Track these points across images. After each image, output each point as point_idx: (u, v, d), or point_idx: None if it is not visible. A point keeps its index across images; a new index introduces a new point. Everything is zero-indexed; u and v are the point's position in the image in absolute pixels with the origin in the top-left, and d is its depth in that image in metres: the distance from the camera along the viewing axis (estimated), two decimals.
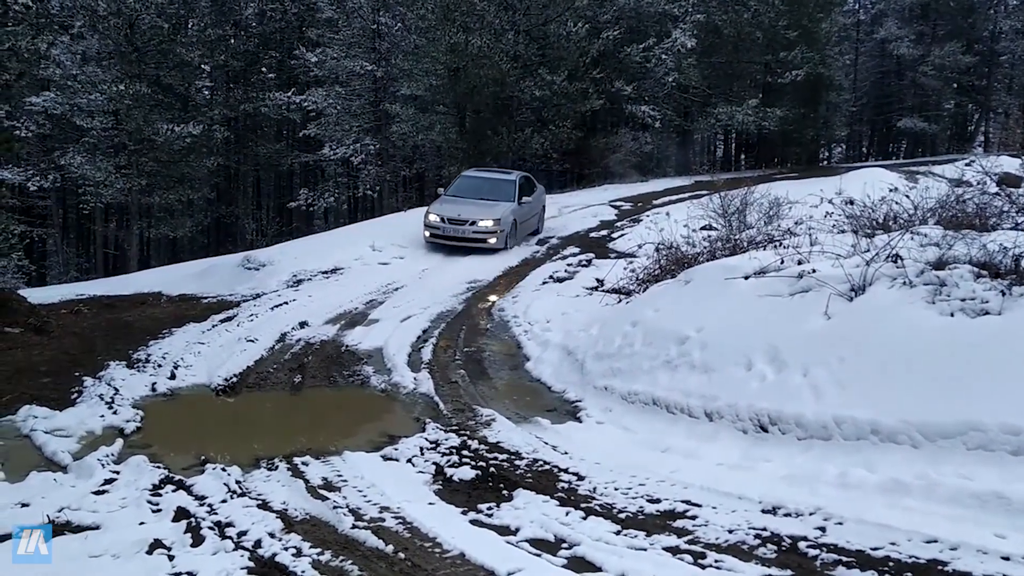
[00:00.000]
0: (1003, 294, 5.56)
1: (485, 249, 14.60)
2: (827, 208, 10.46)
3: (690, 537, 4.47)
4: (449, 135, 25.01)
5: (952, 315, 5.65)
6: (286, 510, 5.05)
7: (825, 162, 36.42)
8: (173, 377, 8.20)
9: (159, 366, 8.58)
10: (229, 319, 10.79)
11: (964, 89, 37.38)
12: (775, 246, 8.79)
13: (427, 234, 14.92)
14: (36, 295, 12.26)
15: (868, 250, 6.97)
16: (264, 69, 30.06)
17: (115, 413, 7.00)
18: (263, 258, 14.83)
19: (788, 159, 31.82)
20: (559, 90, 23.40)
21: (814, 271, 6.81)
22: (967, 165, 15.71)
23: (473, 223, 14.50)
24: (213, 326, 10.41)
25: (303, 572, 4.17)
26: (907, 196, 9.75)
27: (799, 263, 7.24)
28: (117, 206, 26.31)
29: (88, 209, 25.18)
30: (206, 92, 30.47)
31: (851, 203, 9.78)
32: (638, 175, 26.55)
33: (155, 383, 7.95)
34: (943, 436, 4.85)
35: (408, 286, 12.56)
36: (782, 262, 7.39)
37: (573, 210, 18.89)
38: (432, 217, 14.90)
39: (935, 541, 4.03)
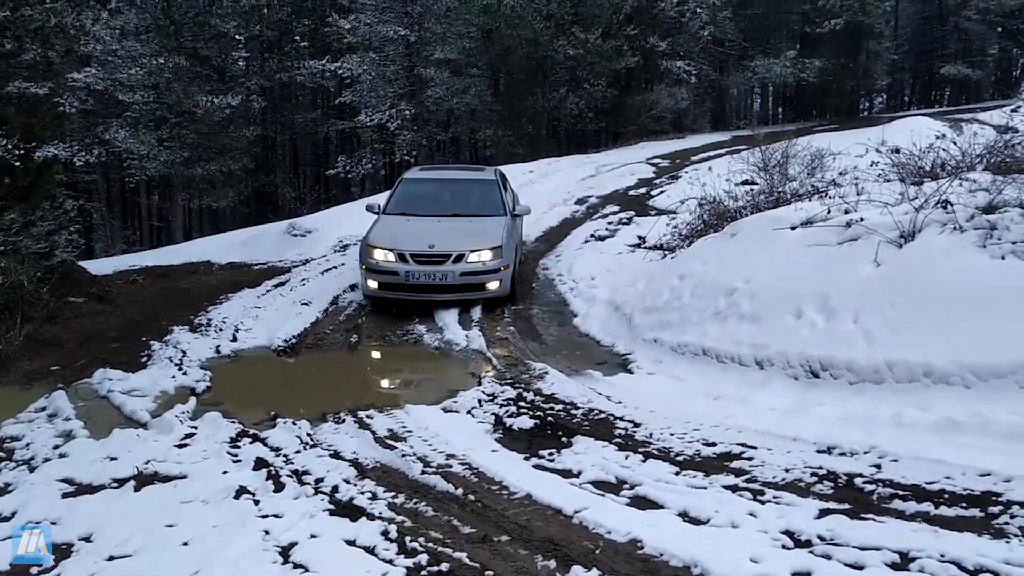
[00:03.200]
0: None
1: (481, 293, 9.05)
2: (872, 158, 10.39)
3: (748, 476, 4.63)
4: (484, 98, 25.05)
5: (1003, 258, 5.69)
6: (357, 459, 5.31)
7: (866, 113, 35.71)
8: (235, 340, 8.52)
9: (220, 330, 8.90)
10: (282, 284, 11.09)
11: (1009, 33, 36.24)
12: (820, 197, 8.81)
13: (371, 285, 8.94)
14: (92, 267, 12.67)
15: (916, 197, 6.98)
16: (298, 38, 30.15)
17: (185, 374, 7.32)
18: (308, 225, 15.13)
19: (827, 111, 31.27)
20: (593, 48, 23.22)
21: (862, 219, 6.85)
22: (1013, 111, 15.42)
23: (458, 259, 8.71)
24: (267, 291, 10.71)
25: (380, 513, 4.41)
26: (954, 143, 9.66)
27: (846, 212, 7.27)
28: (160, 179, 26.77)
29: (133, 182, 25.71)
30: (242, 63, 30.68)
31: (897, 152, 9.71)
32: (675, 132, 26.34)
33: (219, 345, 8.27)
34: (995, 376, 4.94)
35: None
36: (829, 212, 7.42)
37: (611, 169, 18.87)
38: (378, 255, 8.82)
39: (989, 475, 4.15)
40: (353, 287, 10.49)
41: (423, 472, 4.98)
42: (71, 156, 23.64)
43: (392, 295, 8.88)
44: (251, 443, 5.61)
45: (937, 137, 11.14)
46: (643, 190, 16.30)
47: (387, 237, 8.99)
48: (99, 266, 13.84)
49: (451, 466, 5.11)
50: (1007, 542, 3.45)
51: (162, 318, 9.41)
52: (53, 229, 9.98)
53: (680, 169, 17.83)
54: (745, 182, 12.06)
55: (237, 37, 28.16)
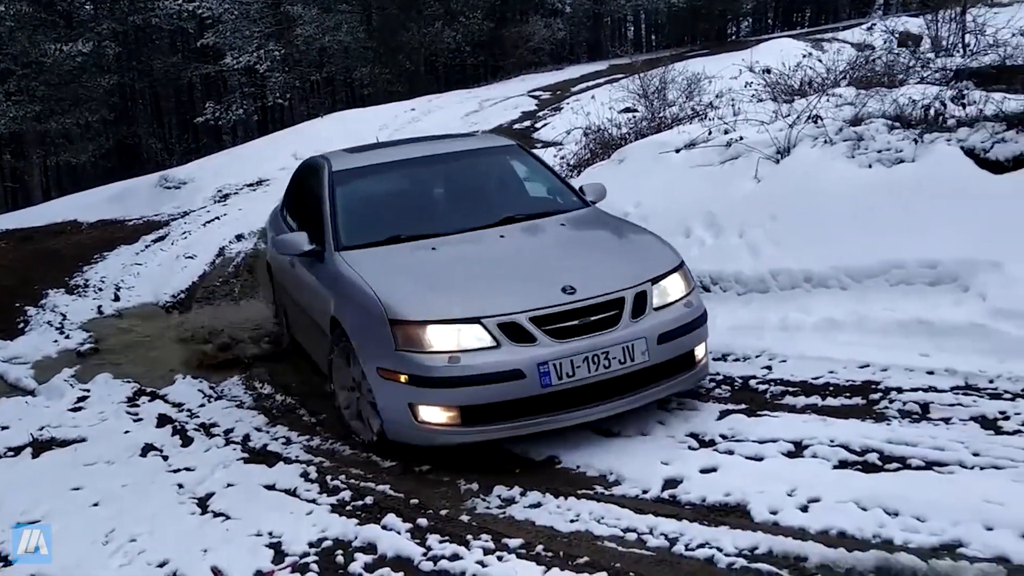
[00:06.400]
0: (915, 142, 5.96)
1: None
2: (746, 79, 10.74)
3: None
4: (357, 35, 24.34)
5: (870, 166, 6.04)
6: (266, 406, 5.24)
7: (734, 37, 36.67)
8: (117, 299, 8.17)
9: (100, 290, 8.51)
10: (161, 239, 10.66)
11: None
12: (700, 119, 9.07)
13: (434, 416, 3.86)
14: None
15: (789, 115, 7.29)
16: None
17: (67, 337, 6.99)
18: (182, 176, 14.50)
19: (698, 36, 31.96)
20: None
21: (741, 138, 7.11)
22: (869, 29, 16.18)
23: (640, 303, 4.02)
24: (146, 247, 10.27)
25: (297, 456, 4.40)
26: (820, 61, 10.10)
27: (726, 132, 7.53)
28: (11, 136, 24.89)
29: None
30: (90, 6, 28.61)
31: (768, 72, 10.07)
32: (553, 64, 26.37)
33: (100, 306, 7.92)
34: (869, 276, 5.30)
35: None
36: (710, 133, 7.66)
37: (494, 103, 18.77)
38: (444, 337, 3.84)
39: (868, 366, 4.48)
40: (239, 237, 10.16)
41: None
42: None
43: (506, 430, 3.83)
44: (151, 401, 5.45)
45: (804, 56, 11.61)
46: (527, 123, 16.34)
47: (433, 294, 4.03)
48: None
49: None
50: (888, 424, 3.76)
51: (34, 282, 8.89)
52: None
53: (562, 100, 17.93)
54: (627, 109, 12.24)
55: None
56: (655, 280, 4.14)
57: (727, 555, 2.91)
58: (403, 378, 3.80)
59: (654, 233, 4.88)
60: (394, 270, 4.29)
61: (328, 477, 4.06)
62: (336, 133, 15.10)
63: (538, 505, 3.46)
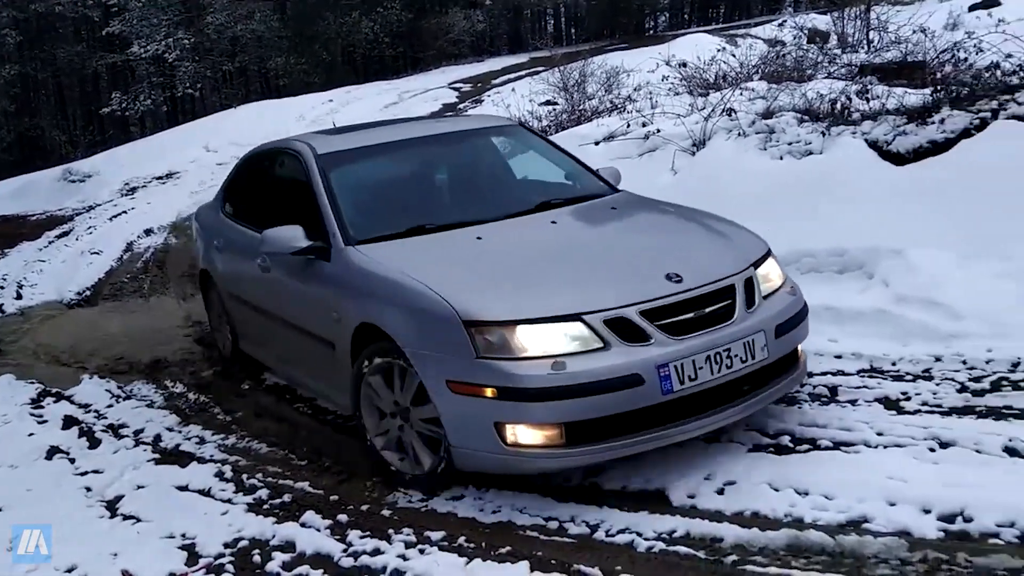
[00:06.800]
0: (823, 135, 6.16)
1: None
2: (663, 72, 10.92)
3: None
4: (270, 23, 23.74)
5: (782, 158, 6.22)
6: (178, 406, 5.08)
7: (652, 31, 37.26)
8: (19, 297, 7.81)
9: (1, 288, 8.10)
10: (65, 234, 10.24)
11: None
12: (619, 112, 9.18)
13: (528, 436, 3.13)
14: None
15: (704, 108, 7.45)
16: None
17: None
18: (87, 168, 13.96)
19: (617, 30, 32.36)
20: None
21: (659, 131, 7.23)
22: (780, 25, 16.66)
23: (749, 291, 3.48)
24: (50, 242, 9.85)
25: (212, 456, 4.27)
26: (733, 56, 10.35)
27: (644, 125, 7.64)
28: None
29: None
30: None
31: (684, 66, 10.27)
32: (474, 56, 26.31)
33: (1, 305, 7.54)
34: (781, 265, 5.46)
35: None
36: (628, 126, 7.77)
37: (413, 95, 18.64)
38: (539, 339, 3.14)
39: None
40: (148, 232, 9.82)
41: None
42: None
43: (617, 448, 3.16)
44: (56, 402, 5.20)
45: (718, 51, 11.88)
46: (448, 115, 16.25)
47: (513, 289, 3.37)
48: None
49: None
50: (799, 407, 3.88)
51: None
52: None
53: (483, 92, 17.93)
54: (547, 102, 12.32)
55: None
56: (755, 264, 3.59)
57: (646, 539, 2.96)
58: (489, 392, 3.07)
59: (718, 216, 4.25)
60: (444, 264, 3.56)
61: (244, 476, 3.96)
62: (250, 124, 14.76)
63: (460, 497, 3.44)
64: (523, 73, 19.46)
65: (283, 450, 4.25)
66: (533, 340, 3.10)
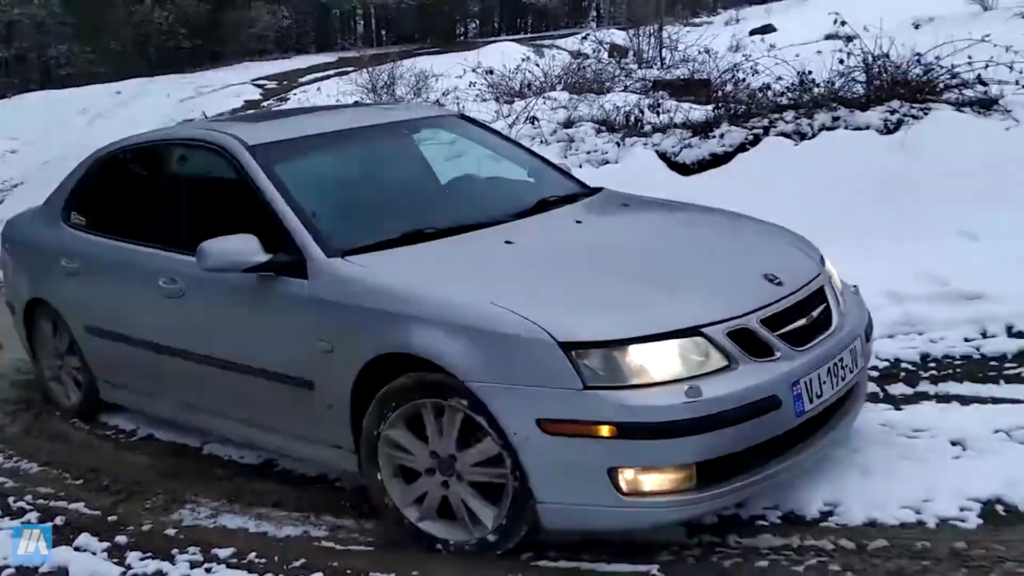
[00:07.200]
0: (618, 145, 6.50)
1: None
2: (470, 79, 11.08)
3: None
4: (52, 8, 21.80)
5: (581, 166, 6.45)
6: None
7: (462, 37, 37.75)
8: None
9: None
10: None
11: None
12: None
13: (655, 479, 2.53)
14: None
15: (509, 115, 7.64)
16: None
17: None
18: None
19: (428, 34, 32.50)
20: None
21: None
22: (583, 39, 17.41)
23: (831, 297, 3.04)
24: None
25: None
26: (537, 65, 10.68)
27: None
28: None
29: None
30: None
31: (491, 73, 10.47)
32: (280, 53, 25.50)
33: None
34: None
35: (28, 182, 11.14)
36: None
37: (213, 90, 17.80)
38: (659, 361, 2.55)
39: None
40: None
41: None
42: None
43: (746, 487, 2.62)
44: None
45: (523, 60, 12.22)
46: (251, 112, 15.63)
47: (605, 302, 2.71)
48: None
49: None
50: None
51: None
52: None
53: (288, 91, 17.45)
54: (356, 103, 12.15)
55: None
56: (823, 262, 3.17)
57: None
58: (605, 430, 2.45)
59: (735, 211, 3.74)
60: (493, 275, 2.90)
61: (11, 499, 3.59)
62: (28, 117, 13.47)
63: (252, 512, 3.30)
64: (331, 72, 19.10)
65: (56, 469, 3.90)
66: (651, 362, 2.51)
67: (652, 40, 13.11)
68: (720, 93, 7.83)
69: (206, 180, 3.79)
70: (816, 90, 6.54)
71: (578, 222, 3.40)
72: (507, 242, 3.09)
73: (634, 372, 2.48)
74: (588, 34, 17.34)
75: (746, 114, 6.49)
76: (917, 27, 12.92)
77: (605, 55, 12.74)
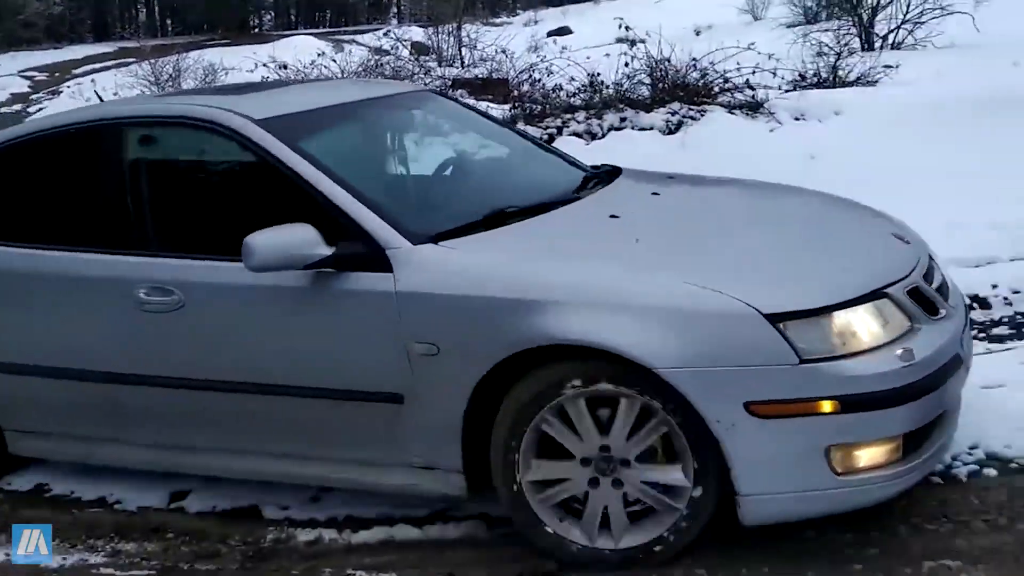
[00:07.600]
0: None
1: None
2: (262, 73, 10.64)
3: None
4: None
5: None
6: None
7: (256, 30, 36.27)
8: None
9: None
10: None
11: None
12: None
13: (870, 454, 2.36)
14: None
15: None
16: None
17: None
18: None
19: (218, 25, 30.94)
20: None
21: None
22: (384, 35, 17.27)
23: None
24: None
25: None
26: (334, 61, 10.44)
27: None
28: None
29: None
30: None
31: (284, 68, 10.11)
32: (51, 41, 23.41)
33: None
34: None
35: None
36: None
37: None
38: (857, 325, 2.37)
39: None
40: None
41: None
42: None
43: (934, 456, 2.49)
44: None
45: (319, 55, 11.90)
46: (18, 106, 14.35)
47: (781, 270, 2.57)
48: None
49: None
50: None
51: None
52: None
53: (61, 83, 16.14)
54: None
55: None
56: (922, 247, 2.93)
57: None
58: (828, 406, 2.25)
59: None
60: (630, 253, 2.59)
61: None
62: None
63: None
64: (109, 64, 17.81)
65: None
66: (860, 328, 2.32)
67: (452, 39, 13.21)
68: (517, 93, 8.01)
69: (198, 166, 3.23)
70: (605, 91, 6.84)
71: (655, 194, 3.16)
72: (612, 216, 2.82)
73: (841, 340, 2.29)
74: (388, 30, 17.22)
75: (541, 114, 6.68)
76: (698, 34, 13.84)
77: (405, 52, 12.68)
